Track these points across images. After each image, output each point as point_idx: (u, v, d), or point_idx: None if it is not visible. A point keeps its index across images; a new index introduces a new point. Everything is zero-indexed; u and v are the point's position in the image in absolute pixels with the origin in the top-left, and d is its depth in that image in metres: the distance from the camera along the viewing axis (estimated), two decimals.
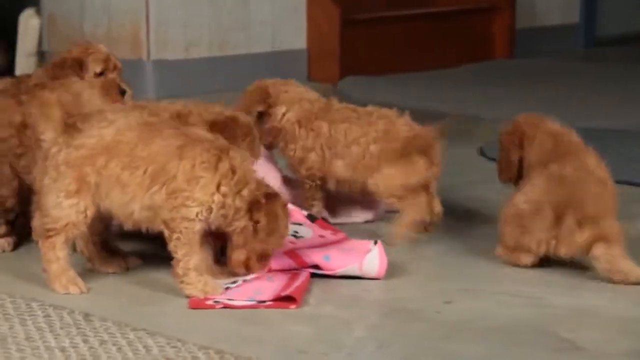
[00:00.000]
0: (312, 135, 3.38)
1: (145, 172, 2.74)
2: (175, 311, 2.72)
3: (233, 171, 2.74)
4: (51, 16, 5.52)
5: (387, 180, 3.28)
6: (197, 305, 2.72)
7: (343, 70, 5.76)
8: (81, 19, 5.43)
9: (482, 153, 3.35)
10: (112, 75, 3.33)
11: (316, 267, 2.92)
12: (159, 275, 2.93)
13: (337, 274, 2.91)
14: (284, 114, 3.42)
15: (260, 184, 2.78)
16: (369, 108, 3.42)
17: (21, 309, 2.65)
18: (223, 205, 2.74)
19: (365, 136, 3.33)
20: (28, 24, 5.58)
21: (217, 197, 2.73)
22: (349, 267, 2.91)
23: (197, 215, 2.73)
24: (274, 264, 2.89)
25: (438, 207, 3.32)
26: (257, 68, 5.54)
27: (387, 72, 5.85)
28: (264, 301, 2.74)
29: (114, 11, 5.36)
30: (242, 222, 2.75)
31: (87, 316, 2.62)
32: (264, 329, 2.61)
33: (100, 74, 3.32)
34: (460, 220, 3.45)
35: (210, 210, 2.74)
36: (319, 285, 2.85)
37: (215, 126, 3.02)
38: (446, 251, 3.22)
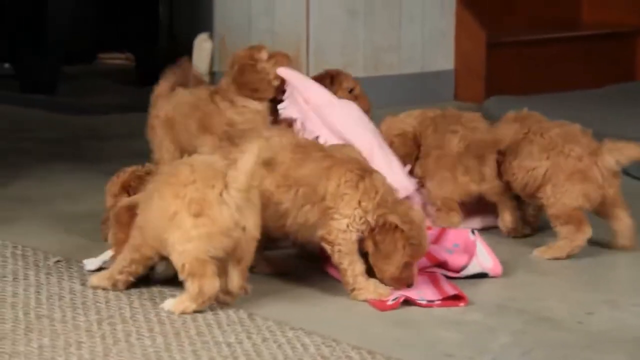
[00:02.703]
0: None
1: (297, 193, 2.75)
2: (331, 312, 2.71)
3: (375, 191, 2.73)
4: (222, 40, 5.63)
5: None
6: (383, 307, 2.70)
7: (488, 90, 5.68)
8: (248, 42, 5.49)
9: (625, 171, 3.27)
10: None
11: (444, 263, 2.92)
12: (316, 278, 2.93)
13: (462, 276, 2.90)
14: None
15: (394, 208, 2.73)
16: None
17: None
18: (365, 221, 2.73)
19: None
20: (201, 46, 5.71)
21: (357, 212, 2.73)
22: (471, 266, 2.90)
23: (348, 226, 2.73)
24: None
25: None
26: (408, 87, 5.51)
27: (531, 93, 5.74)
28: (433, 301, 2.73)
29: (278, 35, 5.43)
30: (368, 242, 2.74)
31: (250, 315, 2.64)
32: (414, 333, 2.58)
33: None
34: (605, 235, 3.33)
35: (355, 222, 2.73)
36: (465, 293, 2.80)
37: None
38: (589, 263, 3.13)
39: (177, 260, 2.61)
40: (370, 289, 2.74)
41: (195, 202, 2.58)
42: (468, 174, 3.32)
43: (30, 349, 2.41)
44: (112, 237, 2.81)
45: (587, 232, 3.15)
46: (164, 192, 2.64)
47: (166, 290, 2.78)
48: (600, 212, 3.23)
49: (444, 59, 5.75)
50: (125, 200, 2.81)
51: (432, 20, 5.71)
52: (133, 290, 2.78)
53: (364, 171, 2.76)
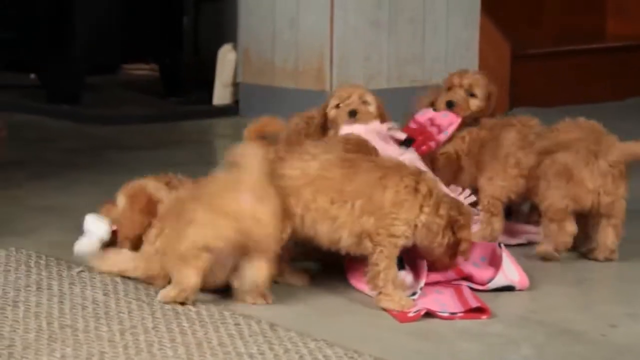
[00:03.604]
0: None
1: (353, 206, 2.78)
2: (353, 323, 2.72)
3: (430, 193, 2.79)
4: (246, 51, 5.65)
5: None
6: (403, 319, 2.71)
7: (512, 102, 5.67)
8: (272, 54, 5.54)
9: None
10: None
11: (470, 277, 2.92)
12: (338, 289, 2.93)
13: (489, 289, 2.90)
14: None
15: (453, 202, 2.83)
16: None
17: (215, 317, 2.70)
18: (427, 224, 2.78)
19: None
20: (225, 58, 5.73)
21: (423, 217, 2.78)
22: (497, 278, 2.90)
23: (402, 233, 2.77)
24: (437, 275, 2.89)
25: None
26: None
27: (555, 104, 5.73)
28: (455, 313, 2.73)
29: (302, 47, 5.45)
30: (444, 239, 2.79)
31: (272, 326, 2.65)
32: (436, 344, 2.58)
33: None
34: (632, 246, 3.31)
35: (415, 228, 2.78)
36: (487, 305, 2.79)
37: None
38: (613, 275, 3.11)
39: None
40: (395, 299, 2.76)
41: (208, 197, 2.70)
42: (517, 167, 3.26)
43: (53, 359, 2.43)
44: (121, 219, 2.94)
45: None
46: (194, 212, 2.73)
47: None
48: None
49: None
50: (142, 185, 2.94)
51: (456, 32, 5.71)
52: (155, 301, 2.79)
53: (417, 175, 2.82)
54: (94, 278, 2.97)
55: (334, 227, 2.79)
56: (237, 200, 2.67)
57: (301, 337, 2.57)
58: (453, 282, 2.93)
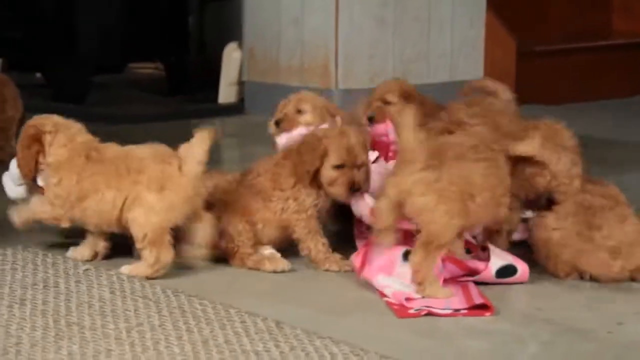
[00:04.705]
0: None
1: (493, 197, 2.89)
2: (359, 321, 2.72)
3: (501, 154, 2.94)
4: (251, 50, 5.66)
5: None
6: (403, 314, 2.72)
7: (518, 99, 5.67)
8: (277, 52, 5.54)
9: None
10: None
11: (475, 271, 2.93)
12: (345, 287, 2.94)
13: (492, 275, 2.92)
14: None
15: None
16: None
17: (221, 315, 2.71)
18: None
19: None
20: (231, 56, 5.74)
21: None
22: (493, 261, 2.94)
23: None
24: (444, 273, 2.90)
25: None
26: (437, 96, 5.51)
27: (561, 102, 5.73)
28: (459, 309, 2.73)
29: (307, 45, 5.45)
30: None
31: (278, 323, 2.65)
32: (442, 342, 2.58)
33: None
34: None
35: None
36: (493, 303, 2.80)
37: None
38: None
39: (138, 230, 2.91)
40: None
41: (154, 180, 2.89)
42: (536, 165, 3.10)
43: (60, 356, 2.43)
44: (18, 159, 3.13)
45: None
46: (113, 182, 2.94)
47: (195, 299, 2.80)
48: None
49: (473, 68, 5.74)
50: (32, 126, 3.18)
51: (462, 29, 5.71)
52: (162, 299, 2.80)
53: (489, 149, 2.93)
54: (101, 276, 2.97)
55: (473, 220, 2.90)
56: (185, 180, 2.88)
57: (307, 335, 2.58)
58: (460, 280, 2.93)
